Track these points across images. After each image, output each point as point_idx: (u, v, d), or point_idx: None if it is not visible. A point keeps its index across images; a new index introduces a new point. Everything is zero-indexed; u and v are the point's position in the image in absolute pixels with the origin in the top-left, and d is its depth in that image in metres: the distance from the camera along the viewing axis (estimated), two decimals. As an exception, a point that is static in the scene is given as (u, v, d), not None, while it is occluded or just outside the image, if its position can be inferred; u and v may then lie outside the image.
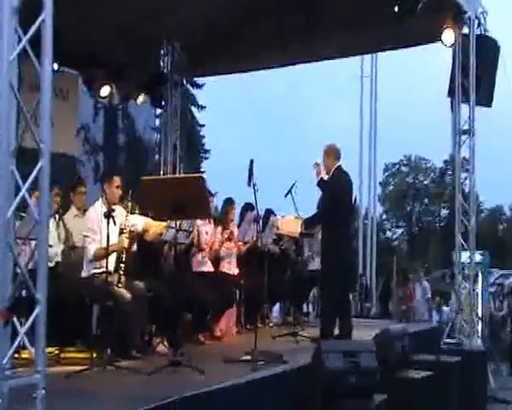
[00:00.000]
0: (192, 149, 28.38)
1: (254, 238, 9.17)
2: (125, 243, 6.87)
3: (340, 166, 8.44)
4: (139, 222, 7.29)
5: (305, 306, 12.09)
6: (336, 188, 8.32)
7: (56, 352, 6.65)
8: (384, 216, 56.61)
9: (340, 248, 8.23)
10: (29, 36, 3.72)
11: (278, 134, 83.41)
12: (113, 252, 6.74)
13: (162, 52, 12.95)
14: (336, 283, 8.22)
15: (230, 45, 11.68)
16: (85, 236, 6.88)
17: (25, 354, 4.47)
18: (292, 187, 8.82)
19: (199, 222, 8.41)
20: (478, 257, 11.90)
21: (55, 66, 10.25)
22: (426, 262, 31.15)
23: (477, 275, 12.05)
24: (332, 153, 8.45)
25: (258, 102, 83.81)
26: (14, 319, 3.64)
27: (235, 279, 9.10)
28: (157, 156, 18.41)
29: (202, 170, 30.08)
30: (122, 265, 6.77)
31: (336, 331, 8.31)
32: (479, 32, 10.51)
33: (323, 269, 8.56)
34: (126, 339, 6.66)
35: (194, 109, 31.72)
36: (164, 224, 7.34)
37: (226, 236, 9.08)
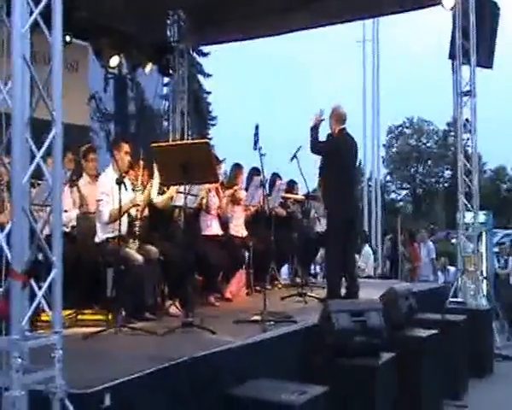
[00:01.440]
0: (199, 116, 28.43)
1: (261, 202, 9.29)
2: (138, 199, 7.05)
3: (344, 128, 8.55)
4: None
5: (312, 267, 12.22)
6: (335, 143, 8.45)
7: (73, 314, 6.81)
8: (388, 178, 56.48)
9: (343, 207, 8.33)
10: (40, 8, 3.79)
11: (283, 99, 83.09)
12: (128, 210, 6.91)
13: (168, 22, 13.01)
14: (340, 242, 8.34)
15: (233, 13, 11.74)
16: (99, 200, 7.00)
17: (45, 317, 4.63)
18: (297, 151, 8.87)
19: (207, 186, 8.52)
20: (482, 217, 11.95)
21: (67, 38, 10.31)
22: (433, 222, 31.10)
23: (481, 235, 12.13)
24: (337, 115, 8.55)
25: (262, 68, 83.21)
26: (33, 283, 3.77)
27: (244, 242, 9.22)
28: (166, 123, 18.51)
29: (209, 136, 30.14)
30: (135, 229, 6.94)
31: (343, 291, 8.46)
32: (478, -6, 10.54)
33: (328, 229, 8.69)
34: (140, 301, 6.81)
35: (200, 77, 31.69)
36: (173, 188, 7.50)
37: (231, 191, 9.22)
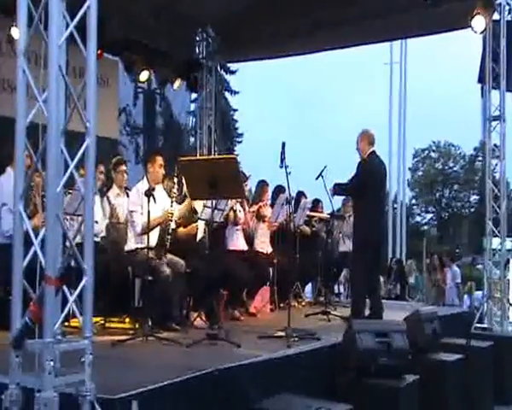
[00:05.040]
0: (225, 133, 28.60)
1: (286, 219, 9.34)
2: (171, 211, 7.17)
3: (374, 151, 8.59)
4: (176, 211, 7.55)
5: (336, 287, 12.21)
6: (369, 168, 8.46)
7: (102, 322, 6.94)
8: (413, 201, 56.27)
9: (372, 229, 8.34)
10: (75, 22, 3.86)
11: (309, 118, 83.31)
12: (161, 222, 7.08)
13: (197, 39, 13.19)
14: (366, 262, 8.36)
15: (260, 32, 11.84)
16: (132, 210, 7.11)
17: (73, 323, 4.70)
18: (323, 170, 8.95)
19: (234, 201, 8.59)
20: (509, 244, 11.84)
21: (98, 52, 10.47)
22: (458, 247, 30.88)
23: (508, 261, 12.00)
24: (366, 138, 8.59)
25: (289, 87, 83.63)
26: (65, 289, 3.83)
27: (269, 258, 9.26)
28: (192, 139, 18.66)
29: (236, 153, 30.29)
30: (165, 241, 7.03)
31: (367, 311, 8.46)
32: (509, 18, 10.51)
33: (354, 249, 8.70)
34: (166, 312, 6.91)
35: (227, 94, 31.91)
36: (195, 225, 7.82)
37: (256, 207, 9.31)
